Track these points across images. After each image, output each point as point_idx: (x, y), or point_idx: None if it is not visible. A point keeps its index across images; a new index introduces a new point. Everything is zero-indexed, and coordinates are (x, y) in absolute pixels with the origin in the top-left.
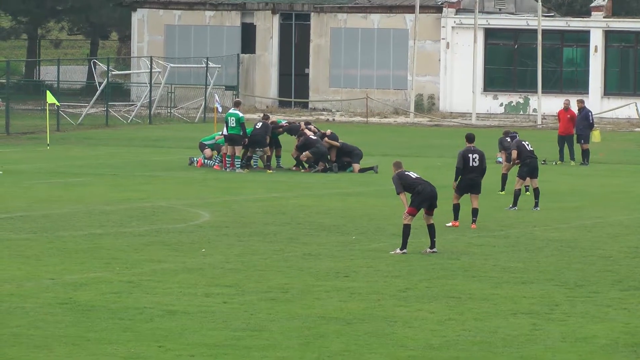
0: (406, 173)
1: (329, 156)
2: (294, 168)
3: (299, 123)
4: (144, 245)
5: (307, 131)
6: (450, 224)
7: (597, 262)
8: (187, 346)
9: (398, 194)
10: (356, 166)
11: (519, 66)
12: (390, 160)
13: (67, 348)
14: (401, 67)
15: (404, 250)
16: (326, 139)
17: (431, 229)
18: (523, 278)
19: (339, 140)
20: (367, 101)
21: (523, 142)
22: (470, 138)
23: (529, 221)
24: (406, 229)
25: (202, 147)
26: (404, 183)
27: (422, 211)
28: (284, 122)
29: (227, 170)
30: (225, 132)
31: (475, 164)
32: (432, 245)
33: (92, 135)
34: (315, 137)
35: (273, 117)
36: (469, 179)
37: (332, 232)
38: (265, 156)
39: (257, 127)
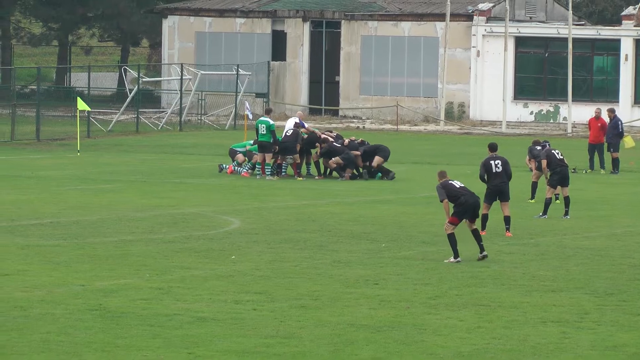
0: (450, 182)
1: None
2: (317, 177)
3: (315, 132)
4: (174, 252)
5: (328, 137)
6: None
7: (627, 271)
8: (216, 353)
9: (441, 201)
10: (378, 159)
11: (550, 74)
12: (419, 169)
13: (96, 354)
14: (431, 75)
15: (458, 259)
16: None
17: (475, 233)
18: (553, 286)
19: (360, 147)
20: (398, 109)
21: (553, 151)
22: (492, 147)
23: (558, 229)
24: (451, 237)
25: (232, 153)
26: (448, 192)
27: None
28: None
29: (258, 177)
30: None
31: (498, 169)
32: (481, 250)
33: (123, 142)
34: (339, 145)
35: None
36: (494, 185)
37: (361, 239)
38: (296, 163)
39: (287, 134)
